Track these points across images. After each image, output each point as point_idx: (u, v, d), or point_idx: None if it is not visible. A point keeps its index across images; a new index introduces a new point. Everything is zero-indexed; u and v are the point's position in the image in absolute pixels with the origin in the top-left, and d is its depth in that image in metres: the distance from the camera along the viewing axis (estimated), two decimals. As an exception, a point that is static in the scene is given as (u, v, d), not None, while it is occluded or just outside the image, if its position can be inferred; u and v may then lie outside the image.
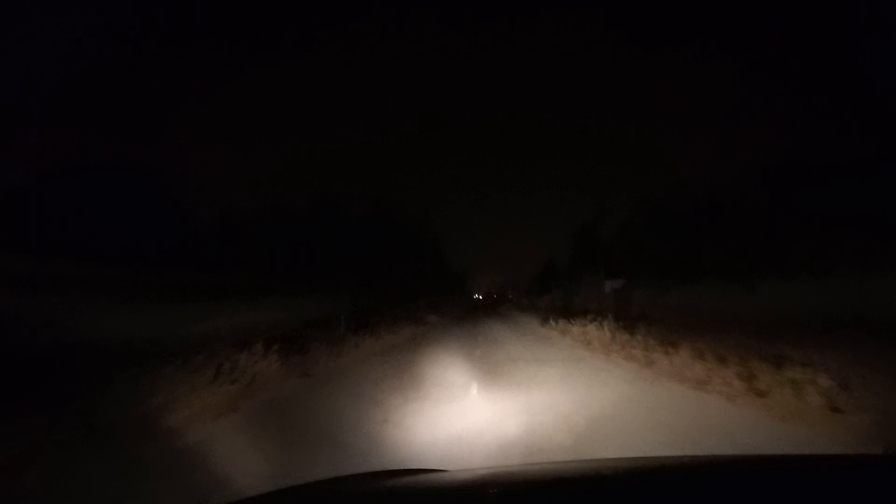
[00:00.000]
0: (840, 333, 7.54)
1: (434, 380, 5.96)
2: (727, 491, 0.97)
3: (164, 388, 4.61)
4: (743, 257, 12.80)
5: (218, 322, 10.01)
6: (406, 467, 1.72)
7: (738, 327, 9.06)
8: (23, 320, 6.28)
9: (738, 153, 28.87)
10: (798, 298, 10.40)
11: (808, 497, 0.91)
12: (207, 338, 7.98)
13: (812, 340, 6.91)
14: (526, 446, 3.38)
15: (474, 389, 5.38)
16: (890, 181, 10.67)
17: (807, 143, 27.08)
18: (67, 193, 13.90)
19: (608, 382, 5.72)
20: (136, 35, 42.94)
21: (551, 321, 15.05)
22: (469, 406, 4.64)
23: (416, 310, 20.86)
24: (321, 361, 7.54)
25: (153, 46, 43.72)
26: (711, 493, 0.96)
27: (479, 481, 1.18)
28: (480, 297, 75.64)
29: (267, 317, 11.63)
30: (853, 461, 1.41)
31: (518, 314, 26.29)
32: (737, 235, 13.30)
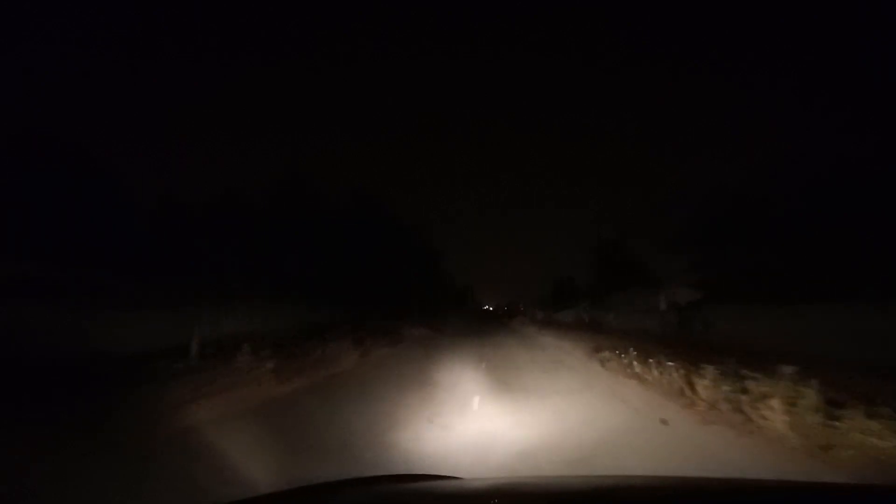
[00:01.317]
0: None
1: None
2: None
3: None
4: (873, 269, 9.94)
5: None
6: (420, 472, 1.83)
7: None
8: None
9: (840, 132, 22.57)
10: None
11: None
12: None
13: None
14: None
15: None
16: None
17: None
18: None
19: None
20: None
21: (628, 362, 7.95)
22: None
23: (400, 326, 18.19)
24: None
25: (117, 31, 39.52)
26: None
27: (489, 490, 1.20)
28: (491, 309, 73.48)
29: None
30: (858, 490, 1.36)
31: (540, 336, 19.49)
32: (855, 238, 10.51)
